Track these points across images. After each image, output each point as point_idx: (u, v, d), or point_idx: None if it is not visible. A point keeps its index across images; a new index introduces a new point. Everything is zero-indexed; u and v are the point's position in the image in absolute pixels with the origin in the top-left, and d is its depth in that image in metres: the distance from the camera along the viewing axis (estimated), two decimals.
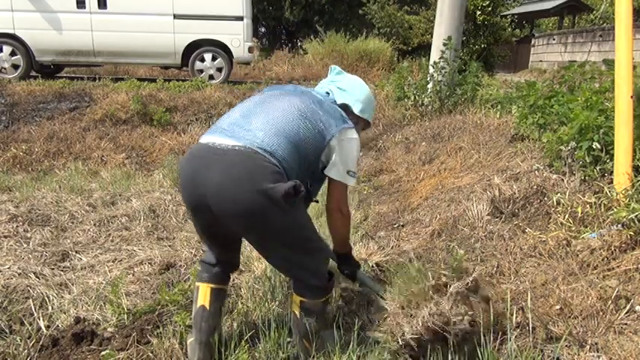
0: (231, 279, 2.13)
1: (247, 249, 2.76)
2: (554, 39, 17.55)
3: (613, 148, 2.66)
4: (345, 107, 2.02)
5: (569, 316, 2.02)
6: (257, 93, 2.03)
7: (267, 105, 1.84)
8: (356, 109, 2.05)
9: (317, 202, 2.10)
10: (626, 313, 1.94)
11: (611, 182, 2.66)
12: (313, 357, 1.91)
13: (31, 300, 2.45)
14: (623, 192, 2.49)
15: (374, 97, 2.14)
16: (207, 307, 1.93)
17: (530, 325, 1.96)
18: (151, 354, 2.01)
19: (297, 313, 1.93)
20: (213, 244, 1.96)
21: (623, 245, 2.27)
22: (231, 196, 1.63)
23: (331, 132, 1.84)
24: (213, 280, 1.97)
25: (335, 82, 2.08)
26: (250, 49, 9.11)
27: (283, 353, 1.96)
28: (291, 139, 1.73)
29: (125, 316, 2.29)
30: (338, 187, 1.96)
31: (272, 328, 2.03)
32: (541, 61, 18.05)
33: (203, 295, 1.94)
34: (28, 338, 2.10)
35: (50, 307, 2.41)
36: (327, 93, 2.05)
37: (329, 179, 1.95)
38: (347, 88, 2.06)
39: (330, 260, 2.16)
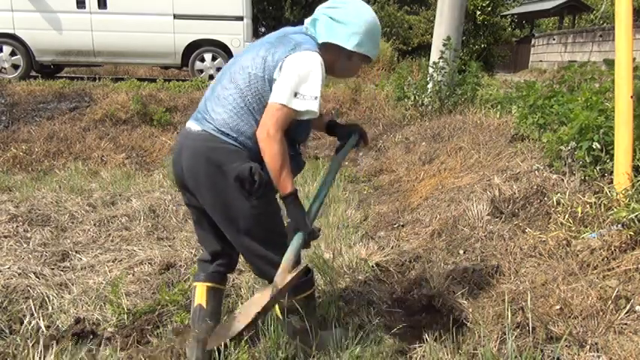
0: (229, 279, 2.12)
1: None
2: (554, 39, 17.55)
3: (613, 148, 2.66)
4: (331, 45, 1.75)
5: (569, 316, 2.01)
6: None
7: (222, 78, 1.80)
8: (350, 44, 1.74)
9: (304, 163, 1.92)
10: (626, 313, 1.94)
11: (611, 182, 2.66)
12: (313, 357, 1.91)
13: (31, 300, 2.45)
14: (623, 192, 2.49)
15: (379, 25, 1.81)
16: (204, 306, 1.93)
17: (530, 325, 1.96)
18: (151, 354, 2.01)
19: (277, 314, 1.93)
20: (205, 231, 1.93)
21: (623, 245, 2.27)
22: (195, 179, 1.73)
23: (275, 64, 1.65)
24: (209, 280, 1.96)
25: (329, 10, 1.76)
26: None
27: (283, 353, 1.96)
28: (236, 102, 1.69)
29: (125, 316, 2.29)
30: (273, 110, 1.63)
31: (272, 328, 2.03)
32: (541, 61, 18.05)
33: (200, 294, 1.94)
34: (28, 338, 2.10)
35: (50, 307, 2.41)
36: (314, 20, 1.79)
37: (268, 105, 1.66)
38: (343, 18, 1.74)
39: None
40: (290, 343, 1.99)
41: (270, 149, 1.64)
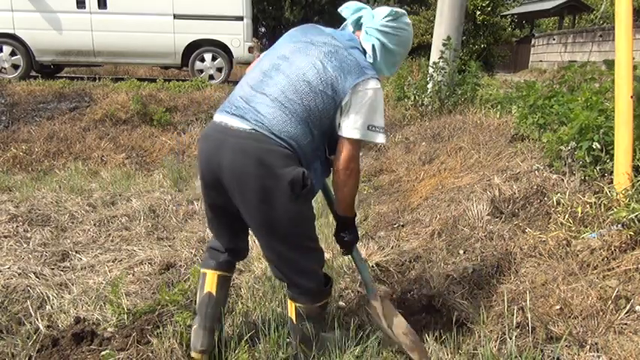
0: (234, 273, 2.13)
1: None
2: (554, 39, 17.55)
3: (613, 148, 2.66)
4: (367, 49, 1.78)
5: (569, 316, 2.01)
6: (268, 51, 1.87)
7: (274, 75, 1.72)
8: (391, 72, 1.87)
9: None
10: (626, 313, 1.94)
11: (611, 182, 2.66)
12: (314, 357, 1.91)
13: (30, 300, 2.45)
14: (623, 192, 2.49)
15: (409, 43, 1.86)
16: (214, 294, 1.94)
17: (530, 325, 1.96)
18: (150, 354, 2.01)
19: (292, 318, 1.92)
20: (222, 228, 1.94)
21: (623, 245, 2.27)
22: (239, 179, 1.65)
23: (344, 90, 1.67)
24: (220, 268, 1.96)
25: (385, 37, 1.77)
26: (250, 49, 9.11)
27: (283, 353, 1.96)
28: (299, 114, 1.65)
29: (125, 316, 2.29)
30: (349, 144, 1.72)
31: (272, 328, 2.03)
32: (541, 61, 18.05)
33: (210, 282, 1.94)
34: (28, 338, 2.10)
35: (50, 307, 2.41)
36: (367, 35, 1.78)
37: (339, 138, 1.73)
38: (394, 47, 1.79)
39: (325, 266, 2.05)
40: (290, 345, 1.99)
41: (352, 182, 1.78)
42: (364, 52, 1.79)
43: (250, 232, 1.92)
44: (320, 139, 1.74)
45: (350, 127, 1.69)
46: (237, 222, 1.87)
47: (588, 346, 1.84)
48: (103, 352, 2.02)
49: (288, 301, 1.92)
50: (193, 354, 1.93)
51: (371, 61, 1.78)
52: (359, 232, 2.12)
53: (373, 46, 1.78)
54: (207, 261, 2.00)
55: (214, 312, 1.93)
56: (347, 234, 1.95)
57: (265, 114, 1.65)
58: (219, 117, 1.74)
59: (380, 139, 1.74)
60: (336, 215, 1.96)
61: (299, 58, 1.72)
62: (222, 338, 1.99)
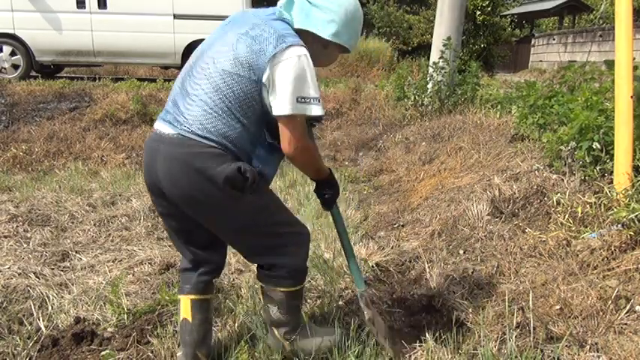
0: (229, 280, 2.07)
1: None
2: (554, 39, 17.55)
3: (613, 148, 2.66)
4: (302, 32, 1.64)
5: (569, 316, 2.01)
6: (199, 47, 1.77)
7: (192, 74, 1.64)
8: (326, 33, 1.63)
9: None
10: (626, 313, 1.94)
11: (611, 182, 2.66)
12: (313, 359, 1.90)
13: (31, 300, 2.45)
14: (623, 192, 2.49)
15: (361, 13, 1.70)
16: (190, 320, 1.82)
17: (531, 325, 1.96)
18: (150, 354, 2.01)
19: (262, 297, 1.89)
20: (181, 238, 1.82)
21: (623, 245, 2.27)
22: (177, 187, 1.59)
23: (262, 65, 1.53)
24: (193, 292, 1.84)
25: None
26: None
27: (282, 354, 1.96)
28: (220, 107, 1.55)
29: (125, 316, 2.29)
30: (287, 123, 1.57)
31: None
32: (541, 61, 18.05)
33: (184, 308, 1.84)
34: (28, 338, 2.10)
35: (50, 307, 2.41)
36: (290, 2, 1.67)
37: (277, 119, 1.59)
38: (320, 2, 1.62)
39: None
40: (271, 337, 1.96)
41: (305, 159, 1.69)
42: (290, 23, 1.65)
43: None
44: (254, 126, 1.62)
45: (279, 103, 1.54)
46: (197, 230, 1.75)
47: (588, 346, 1.84)
48: (103, 352, 2.02)
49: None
50: None
51: (300, 24, 1.63)
52: (359, 234, 2.08)
53: (290, 2, 1.66)
54: (180, 286, 1.88)
55: (193, 339, 1.82)
56: (326, 190, 1.87)
57: (187, 115, 1.58)
58: (155, 123, 1.70)
59: (314, 110, 1.57)
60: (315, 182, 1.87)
61: (215, 47, 1.64)
62: (222, 338, 1.99)
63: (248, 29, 1.59)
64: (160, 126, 1.65)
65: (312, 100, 1.57)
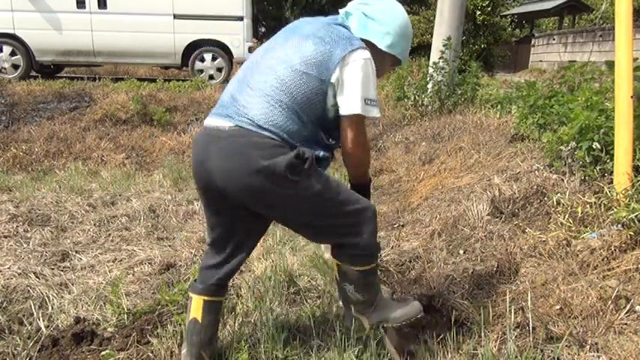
0: (224, 296, 2.01)
1: None
2: (554, 39, 17.55)
3: (613, 148, 2.66)
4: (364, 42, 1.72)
5: (569, 316, 2.01)
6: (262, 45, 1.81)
7: (256, 71, 1.67)
8: (382, 44, 1.73)
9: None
10: (626, 313, 1.94)
11: (611, 182, 2.66)
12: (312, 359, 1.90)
13: (31, 300, 2.45)
14: (623, 192, 2.49)
15: (410, 27, 1.80)
16: (200, 320, 1.82)
17: (530, 325, 1.96)
18: (150, 354, 2.01)
19: (337, 276, 1.84)
20: (224, 236, 1.80)
21: (623, 245, 2.27)
22: (235, 181, 1.57)
23: (331, 66, 1.59)
24: (207, 292, 1.84)
25: (362, 7, 1.74)
26: (250, 49, 9.12)
27: (282, 353, 1.96)
28: (285, 102, 1.58)
29: (125, 316, 2.29)
30: (353, 122, 1.65)
31: (272, 328, 2.03)
32: (541, 61, 18.05)
33: (195, 307, 1.83)
34: (28, 338, 2.10)
35: (50, 307, 2.41)
36: (347, 14, 1.75)
37: (341, 119, 1.66)
38: (376, 15, 1.72)
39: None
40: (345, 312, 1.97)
41: (364, 157, 1.78)
42: (350, 30, 1.73)
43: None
44: (312, 125, 1.65)
45: (349, 103, 1.62)
46: (240, 226, 1.76)
47: (588, 346, 1.84)
48: (103, 352, 2.02)
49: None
50: None
51: (359, 34, 1.71)
52: None
53: (347, 13, 1.75)
54: (194, 285, 1.87)
55: (200, 339, 1.82)
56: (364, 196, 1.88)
57: (249, 107, 1.59)
58: (207, 120, 1.71)
59: (376, 112, 1.67)
60: (352, 184, 1.89)
61: (282, 46, 1.67)
62: (222, 338, 1.99)
63: (315, 31, 1.66)
64: (214, 121, 1.66)
65: (374, 103, 1.66)
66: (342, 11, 1.78)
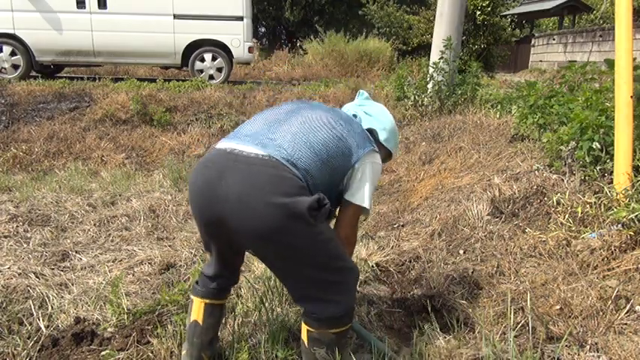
0: (226, 299, 2.00)
1: None
2: (554, 39, 17.55)
3: (613, 148, 2.66)
4: (370, 132, 1.90)
5: (569, 316, 2.02)
6: (281, 104, 1.87)
7: (295, 115, 1.71)
8: (381, 137, 1.93)
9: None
10: (626, 313, 1.94)
11: (611, 182, 2.66)
12: None
13: (31, 300, 2.45)
14: (623, 192, 2.49)
15: (395, 126, 2.04)
16: (200, 323, 1.83)
17: (530, 325, 1.96)
18: (150, 354, 2.01)
19: (305, 341, 1.74)
20: (220, 259, 1.82)
21: (623, 245, 2.27)
22: (254, 207, 1.49)
23: (359, 153, 1.72)
24: (208, 296, 1.85)
25: (362, 107, 1.98)
26: (250, 49, 9.11)
27: (282, 353, 1.96)
28: (318, 153, 1.61)
29: (125, 316, 2.29)
30: (353, 212, 1.78)
31: (272, 328, 2.03)
32: (541, 61, 18.05)
33: (197, 310, 1.84)
34: (28, 338, 2.10)
35: (50, 307, 2.41)
36: (354, 115, 1.94)
37: (342, 204, 1.78)
38: (374, 113, 1.95)
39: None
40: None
41: (353, 243, 1.94)
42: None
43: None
44: (328, 186, 1.68)
45: (360, 195, 1.74)
46: (239, 254, 1.86)
47: (588, 346, 1.84)
48: (103, 352, 2.02)
49: (302, 324, 1.74)
50: None
51: (366, 125, 1.91)
52: (359, 234, 2.08)
53: (360, 115, 1.94)
54: (196, 287, 1.88)
55: (201, 341, 1.83)
56: None
57: (283, 142, 1.59)
58: (224, 144, 1.63)
59: (370, 210, 1.82)
60: None
61: (316, 109, 1.76)
62: (222, 338, 1.99)
63: (340, 118, 1.77)
64: (236, 145, 1.60)
65: (370, 202, 1.79)
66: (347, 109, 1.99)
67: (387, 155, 2.00)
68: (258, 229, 1.52)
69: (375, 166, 1.78)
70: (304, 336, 1.73)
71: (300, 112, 1.73)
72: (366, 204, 1.75)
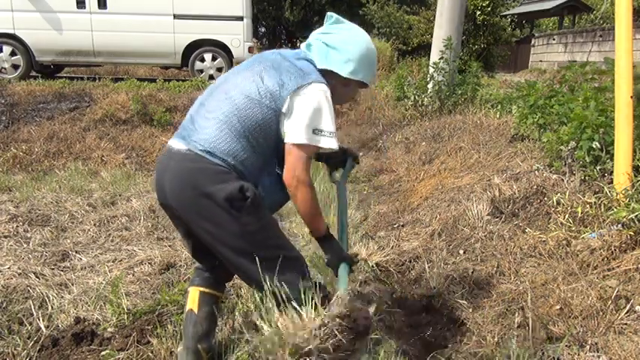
0: (226, 288, 2.00)
1: None
2: (554, 39, 17.55)
3: (613, 148, 2.66)
4: (326, 72, 1.73)
5: (569, 316, 2.02)
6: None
7: (214, 95, 1.71)
8: (344, 71, 1.73)
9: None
10: (626, 313, 1.94)
11: (611, 182, 2.66)
12: None
13: (31, 300, 2.45)
14: (623, 192, 2.49)
15: (374, 50, 1.81)
16: (195, 311, 1.84)
17: (530, 325, 1.96)
18: (150, 354, 2.01)
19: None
20: (196, 249, 1.85)
21: (623, 245, 2.27)
22: (181, 201, 1.64)
23: (283, 96, 1.61)
24: (203, 284, 1.88)
25: (325, 35, 1.76)
26: (250, 49, 9.11)
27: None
28: (237, 129, 1.60)
29: (125, 316, 2.29)
30: (297, 151, 1.61)
31: (272, 328, 2.03)
32: (541, 61, 18.05)
33: (192, 298, 1.86)
34: (28, 338, 2.10)
35: (50, 307, 2.41)
36: (308, 45, 1.78)
37: (286, 146, 1.64)
38: (337, 44, 1.73)
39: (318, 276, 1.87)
40: None
41: (303, 195, 1.65)
42: (313, 62, 1.74)
43: None
44: (265, 154, 1.67)
45: (292, 131, 1.61)
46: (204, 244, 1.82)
47: (588, 346, 1.84)
48: (103, 352, 2.02)
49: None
50: None
51: (321, 64, 1.73)
52: (359, 234, 1.97)
53: (309, 45, 1.78)
54: (192, 279, 1.93)
55: (196, 331, 1.81)
56: (325, 255, 1.80)
57: (202, 132, 1.63)
58: (170, 141, 1.74)
59: (327, 143, 1.64)
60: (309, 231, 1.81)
61: (241, 75, 1.71)
62: (222, 339, 1.99)
63: (274, 64, 1.68)
64: (173, 142, 1.70)
65: (327, 133, 1.64)
66: (303, 44, 1.81)
67: (361, 85, 1.83)
68: (194, 220, 1.64)
69: (307, 96, 1.62)
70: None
71: (218, 88, 1.72)
72: (299, 139, 1.60)
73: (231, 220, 1.60)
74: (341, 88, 1.78)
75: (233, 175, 1.60)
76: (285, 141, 1.63)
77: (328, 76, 1.73)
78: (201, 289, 1.87)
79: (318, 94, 1.63)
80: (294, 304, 1.53)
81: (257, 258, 1.61)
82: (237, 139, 1.61)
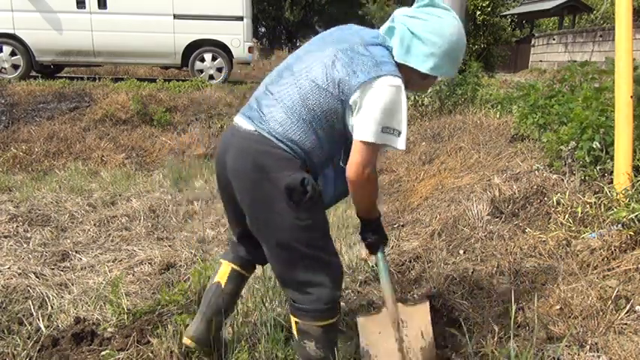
0: (250, 274, 2.01)
1: None
2: (554, 39, 17.54)
3: (613, 148, 2.66)
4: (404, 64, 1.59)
5: (569, 316, 2.02)
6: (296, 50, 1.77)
7: (284, 74, 1.64)
8: (424, 67, 1.58)
9: None
10: (626, 313, 1.94)
11: (611, 182, 2.66)
12: None
13: (30, 300, 2.45)
14: (623, 192, 2.49)
15: (463, 43, 1.64)
16: (223, 285, 1.88)
17: (530, 325, 1.96)
18: (150, 354, 2.01)
19: (295, 334, 1.75)
20: (236, 224, 1.87)
21: (623, 245, 2.27)
22: (241, 180, 1.62)
23: (352, 88, 1.51)
24: (236, 261, 1.91)
25: (409, 21, 1.58)
26: (250, 49, 9.12)
27: (282, 353, 1.96)
28: (302, 116, 1.54)
29: (125, 316, 2.29)
30: (365, 148, 1.53)
31: (272, 328, 2.03)
32: (541, 61, 18.04)
33: (223, 272, 1.90)
34: (28, 338, 2.10)
35: (50, 307, 2.41)
36: (391, 28, 1.62)
37: (353, 142, 1.56)
38: (422, 34, 1.55)
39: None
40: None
41: (366, 191, 1.64)
42: (391, 51, 1.60)
43: None
44: (330, 144, 1.62)
45: (362, 128, 1.52)
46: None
47: (588, 346, 1.84)
48: (103, 352, 2.02)
49: (290, 315, 1.76)
50: (184, 339, 1.88)
51: (399, 58, 1.59)
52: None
53: (391, 28, 1.61)
54: (225, 253, 1.97)
55: (217, 303, 1.86)
56: (370, 235, 1.80)
57: (269, 115, 1.58)
58: (235, 118, 1.72)
59: (397, 143, 1.54)
60: (359, 216, 1.81)
61: (312, 56, 1.62)
62: (223, 339, 1.99)
63: (348, 48, 1.56)
64: (240, 120, 1.67)
65: (397, 133, 1.54)
66: (385, 25, 1.65)
67: (435, 78, 1.70)
68: (248, 201, 1.63)
69: (379, 91, 1.50)
70: (294, 328, 1.75)
71: (294, 65, 1.64)
72: (368, 137, 1.51)
73: (285, 211, 1.55)
74: (417, 80, 1.66)
75: (297, 163, 1.55)
76: (354, 137, 1.55)
77: (406, 69, 1.60)
78: (234, 266, 1.90)
79: (391, 89, 1.51)
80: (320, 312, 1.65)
81: (297, 254, 1.62)
82: (303, 126, 1.55)
